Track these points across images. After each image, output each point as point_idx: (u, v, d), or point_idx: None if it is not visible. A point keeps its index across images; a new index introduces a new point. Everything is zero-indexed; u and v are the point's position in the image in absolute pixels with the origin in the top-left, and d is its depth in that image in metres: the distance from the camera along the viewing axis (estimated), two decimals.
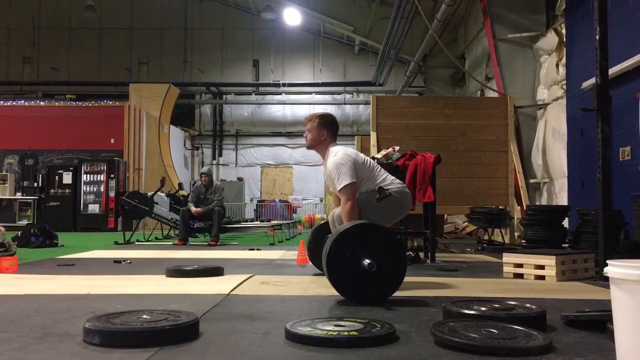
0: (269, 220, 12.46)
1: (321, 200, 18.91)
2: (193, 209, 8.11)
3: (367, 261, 2.91)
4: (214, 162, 19.79)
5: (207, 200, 8.28)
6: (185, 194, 11.14)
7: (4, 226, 5.94)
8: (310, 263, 5.24)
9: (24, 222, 12.17)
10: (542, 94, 9.70)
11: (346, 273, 2.97)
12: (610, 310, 1.65)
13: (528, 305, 2.53)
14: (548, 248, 5.38)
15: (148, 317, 2.21)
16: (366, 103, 18.53)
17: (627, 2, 6.40)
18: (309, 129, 3.86)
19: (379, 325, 2.18)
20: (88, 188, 12.98)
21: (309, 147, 3.88)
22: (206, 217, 8.11)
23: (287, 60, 19.73)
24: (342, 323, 2.22)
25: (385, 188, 3.62)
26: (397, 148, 5.80)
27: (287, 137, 19.72)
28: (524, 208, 8.17)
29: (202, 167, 19.52)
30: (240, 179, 19.19)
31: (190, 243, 8.10)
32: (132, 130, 14.11)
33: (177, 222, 8.53)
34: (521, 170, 9.16)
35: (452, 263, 5.35)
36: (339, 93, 19.54)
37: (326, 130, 3.80)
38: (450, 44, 14.52)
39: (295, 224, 12.15)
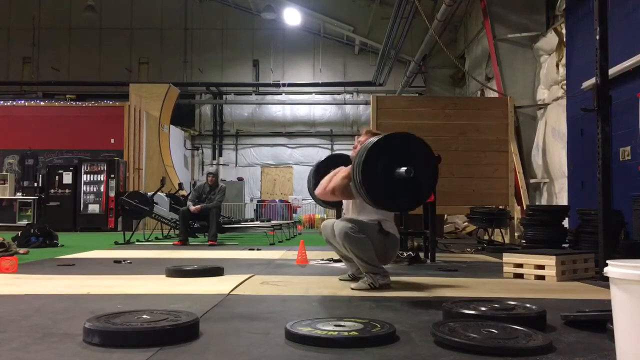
0: (269, 220, 12.45)
1: None
2: (192, 207, 8.09)
3: (403, 168, 2.97)
4: (214, 162, 19.79)
5: (210, 200, 8.26)
6: (185, 194, 11.14)
7: (4, 226, 5.95)
8: (310, 263, 5.25)
9: (24, 222, 12.17)
10: (542, 94, 9.70)
11: (381, 180, 3.03)
12: (610, 310, 1.65)
13: (528, 305, 2.53)
14: (548, 248, 5.38)
15: (148, 317, 2.21)
16: (366, 103, 18.53)
17: (627, 2, 6.40)
18: (361, 141, 3.71)
19: (379, 325, 2.18)
20: (88, 188, 12.98)
21: None
22: (204, 216, 8.10)
23: (287, 60, 19.73)
24: (342, 323, 2.22)
25: (385, 228, 3.60)
26: None
27: (287, 137, 19.72)
28: (524, 208, 8.17)
29: (202, 167, 19.54)
30: (240, 179, 19.19)
31: (190, 243, 8.10)
32: (132, 130, 14.10)
33: (177, 222, 8.53)
34: (521, 170, 9.15)
35: (452, 263, 5.35)
36: (339, 93, 19.55)
37: None
38: (450, 44, 14.51)
39: (295, 224, 12.16)
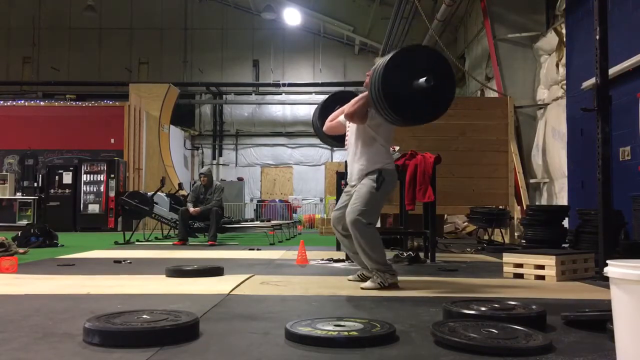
0: (269, 220, 12.45)
1: (321, 200, 18.91)
2: (191, 208, 8.09)
3: (422, 79, 3.06)
4: (214, 162, 19.79)
5: (207, 201, 8.26)
6: (185, 194, 11.14)
7: (4, 226, 5.95)
8: (310, 263, 5.24)
9: (24, 222, 12.17)
10: (542, 94, 9.71)
11: (401, 91, 3.13)
12: (610, 310, 1.65)
13: (528, 305, 2.53)
14: (548, 248, 5.38)
15: (148, 317, 2.21)
16: None
17: (627, 2, 6.40)
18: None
19: (379, 325, 2.18)
20: (88, 188, 12.98)
21: None
22: (205, 217, 8.11)
23: (287, 60, 19.73)
24: (342, 323, 2.22)
25: (381, 168, 3.62)
26: (397, 148, 5.80)
27: (287, 137, 19.72)
28: (524, 208, 8.17)
29: (202, 167, 19.51)
30: (240, 179, 19.20)
31: (190, 243, 8.09)
32: (132, 130, 14.10)
33: (177, 222, 8.53)
34: (521, 170, 9.16)
35: (452, 263, 5.35)
36: None
37: None
38: (450, 44, 14.51)
39: (295, 224, 12.15)
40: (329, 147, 19.46)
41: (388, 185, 3.65)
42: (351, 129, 3.80)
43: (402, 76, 3.15)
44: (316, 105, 4.51)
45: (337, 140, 4.28)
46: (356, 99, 3.66)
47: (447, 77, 3.28)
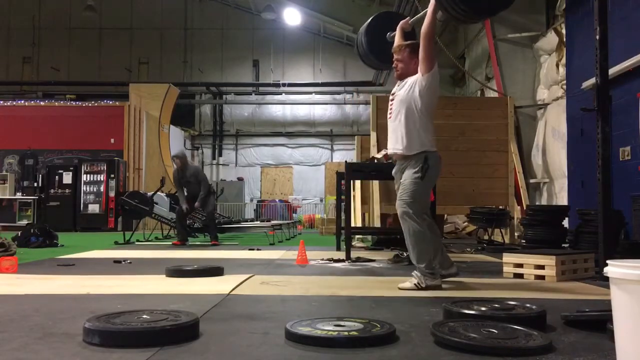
0: (269, 220, 12.46)
1: (321, 200, 18.91)
2: (184, 205, 7.97)
3: None
4: (214, 161, 19.81)
5: (190, 184, 7.99)
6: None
7: (3, 226, 5.94)
8: (310, 263, 5.24)
9: (24, 222, 12.17)
10: (542, 94, 9.71)
11: None
12: (610, 310, 1.65)
13: (528, 305, 2.53)
14: (548, 248, 5.38)
15: (148, 317, 2.21)
16: (366, 103, 18.53)
17: (627, 2, 6.40)
18: (399, 59, 3.70)
19: (379, 325, 2.18)
20: (88, 188, 12.98)
21: (400, 78, 3.71)
22: (202, 204, 7.98)
23: (287, 60, 19.73)
24: (342, 323, 2.22)
25: (426, 153, 3.56)
26: None
27: (287, 137, 19.72)
28: (524, 208, 8.17)
29: (202, 167, 19.51)
30: (240, 179, 19.20)
31: (190, 243, 8.09)
32: (132, 130, 14.10)
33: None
34: (521, 170, 9.15)
35: None
36: (339, 93, 19.55)
37: (417, 57, 3.63)
38: (450, 44, 14.51)
39: (295, 224, 12.16)
40: (329, 147, 19.49)
41: (433, 170, 3.59)
42: (397, 97, 3.70)
43: None
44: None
45: (381, 61, 4.28)
46: (428, 13, 3.54)
47: None
